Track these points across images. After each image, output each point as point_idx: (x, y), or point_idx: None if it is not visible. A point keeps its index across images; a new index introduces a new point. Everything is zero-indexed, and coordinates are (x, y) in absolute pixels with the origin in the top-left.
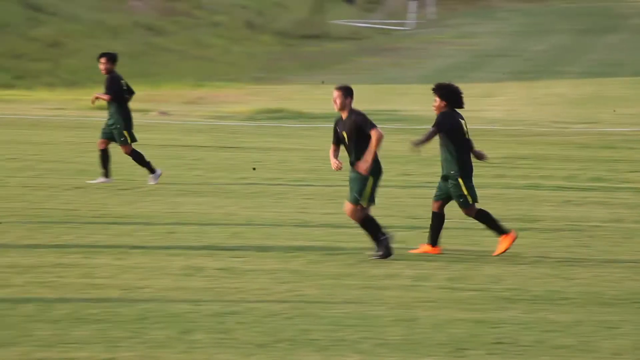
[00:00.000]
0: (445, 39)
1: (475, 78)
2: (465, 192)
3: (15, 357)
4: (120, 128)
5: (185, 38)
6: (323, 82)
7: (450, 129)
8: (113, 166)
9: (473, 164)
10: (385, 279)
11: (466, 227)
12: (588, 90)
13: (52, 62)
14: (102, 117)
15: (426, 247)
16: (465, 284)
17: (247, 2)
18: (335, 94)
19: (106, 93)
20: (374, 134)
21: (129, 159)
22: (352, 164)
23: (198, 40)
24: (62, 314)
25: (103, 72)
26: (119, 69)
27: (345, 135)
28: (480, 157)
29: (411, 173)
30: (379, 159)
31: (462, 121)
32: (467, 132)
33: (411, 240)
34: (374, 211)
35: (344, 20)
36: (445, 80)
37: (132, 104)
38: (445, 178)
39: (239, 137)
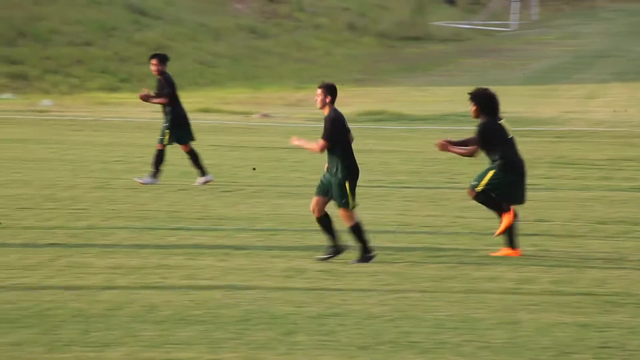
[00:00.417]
0: (549, 39)
1: (579, 79)
2: (485, 180)
3: (121, 357)
4: (165, 126)
5: (287, 40)
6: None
7: (490, 138)
8: (214, 169)
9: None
10: (487, 282)
11: (569, 231)
12: None
13: None
14: (203, 120)
15: (506, 250)
16: (569, 287)
17: (348, 4)
18: (317, 91)
19: (160, 95)
20: (318, 142)
21: (229, 161)
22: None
23: (300, 42)
24: (166, 314)
25: (155, 73)
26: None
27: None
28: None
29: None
30: (355, 162)
31: (502, 123)
32: (510, 131)
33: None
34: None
35: (446, 22)
36: (548, 80)
37: (235, 107)
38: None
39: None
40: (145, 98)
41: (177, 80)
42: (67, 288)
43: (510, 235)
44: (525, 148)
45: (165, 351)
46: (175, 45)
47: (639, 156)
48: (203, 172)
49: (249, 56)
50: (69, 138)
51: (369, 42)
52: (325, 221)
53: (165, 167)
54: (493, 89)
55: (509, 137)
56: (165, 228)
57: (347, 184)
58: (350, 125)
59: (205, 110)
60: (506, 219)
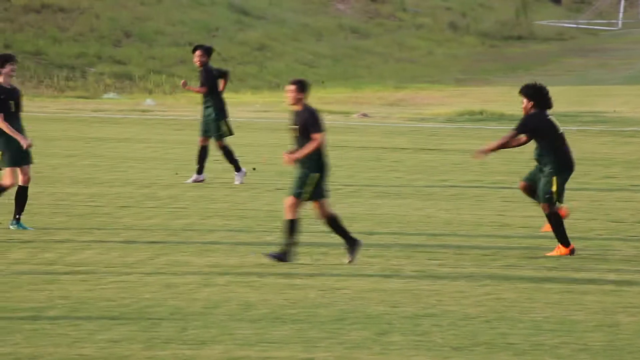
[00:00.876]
0: None
1: None
2: (554, 190)
3: (217, 356)
4: (217, 120)
5: (389, 40)
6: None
7: (535, 130)
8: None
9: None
10: (586, 284)
11: None
12: None
13: (258, 65)
14: None
15: (560, 249)
16: None
17: (451, 4)
18: (289, 88)
19: (202, 86)
20: (315, 138)
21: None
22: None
23: (401, 42)
24: (262, 313)
25: (198, 64)
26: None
27: (295, 129)
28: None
29: (616, 176)
30: (325, 156)
31: (552, 118)
32: (559, 128)
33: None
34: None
35: (550, 21)
36: None
37: (334, 106)
38: (540, 170)
39: (439, 139)
40: (185, 85)
41: (276, 80)
42: (165, 286)
43: (559, 234)
44: (629, 149)
45: (261, 349)
46: (277, 45)
47: None
48: (199, 171)
49: (350, 56)
50: (171, 137)
51: (470, 42)
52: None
53: (263, 167)
54: (594, 88)
55: (560, 132)
56: (263, 227)
57: (314, 177)
58: (452, 125)
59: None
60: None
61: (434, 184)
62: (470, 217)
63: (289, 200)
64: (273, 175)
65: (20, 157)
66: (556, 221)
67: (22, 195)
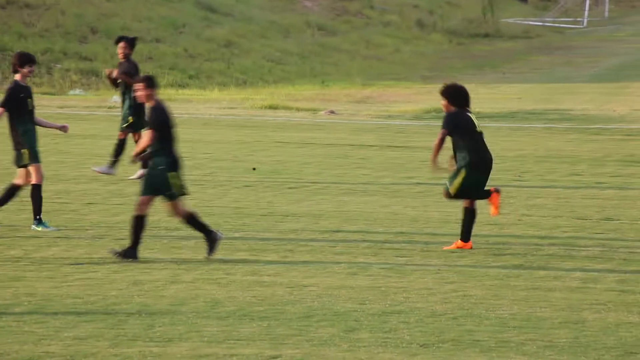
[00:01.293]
0: (621, 37)
1: None
2: (458, 182)
3: (184, 353)
4: (128, 113)
5: (356, 38)
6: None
7: (456, 126)
8: (280, 166)
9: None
10: (552, 281)
11: (637, 230)
12: None
13: (225, 62)
14: (271, 117)
15: (459, 243)
16: (635, 286)
17: (418, 2)
18: (138, 86)
19: (128, 75)
20: (147, 134)
21: (295, 157)
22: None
23: (368, 39)
24: (229, 310)
25: (121, 56)
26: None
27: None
28: None
29: (581, 173)
30: (176, 154)
31: (471, 116)
32: (478, 126)
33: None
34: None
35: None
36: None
37: (302, 103)
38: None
39: (405, 136)
40: (110, 74)
41: (243, 77)
42: (132, 283)
43: (468, 228)
44: (594, 146)
45: (228, 347)
46: (244, 42)
47: None
48: (112, 165)
49: (318, 53)
50: None
51: (437, 40)
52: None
53: (231, 164)
54: (560, 86)
55: (477, 131)
56: (230, 224)
57: (170, 174)
58: (419, 122)
59: (273, 107)
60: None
61: (401, 181)
62: (437, 214)
63: (142, 199)
64: (241, 172)
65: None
66: (469, 216)
67: (37, 194)
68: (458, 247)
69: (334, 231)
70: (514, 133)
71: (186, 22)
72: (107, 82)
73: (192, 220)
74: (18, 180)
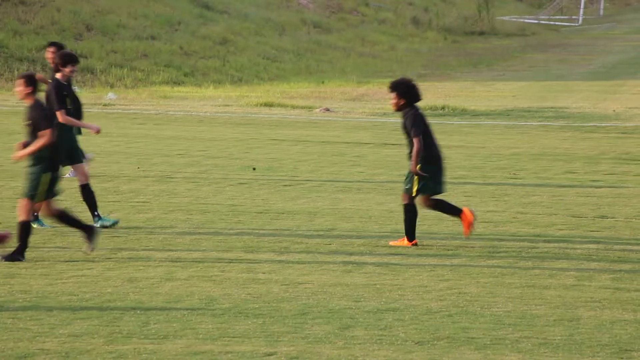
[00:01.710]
0: (616, 34)
1: None
2: (415, 182)
3: (179, 350)
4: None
5: (351, 35)
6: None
7: (422, 125)
8: (275, 163)
9: None
10: (547, 278)
11: (631, 228)
12: None
13: (220, 60)
14: (266, 114)
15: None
16: (629, 284)
17: None
18: (17, 83)
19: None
20: (42, 135)
21: (291, 155)
22: None
23: (364, 37)
24: (224, 307)
25: (50, 61)
26: None
27: (28, 124)
28: None
29: (576, 171)
30: (56, 154)
31: (423, 113)
32: (429, 124)
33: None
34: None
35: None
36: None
37: (297, 101)
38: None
39: (401, 134)
40: (40, 79)
41: (239, 74)
42: (127, 280)
43: (411, 225)
44: (589, 144)
45: (224, 344)
46: (240, 39)
47: None
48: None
49: (313, 50)
50: (133, 131)
51: (433, 37)
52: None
53: (226, 161)
54: (556, 84)
55: (429, 127)
56: (225, 222)
57: (46, 177)
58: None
59: (268, 105)
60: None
61: (396, 179)
62: (432, 212)
63: (23, 202)
64: (235, 170)
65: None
66: (410, 214)
67: (89, 192)
68: (403, 245)
69: (329, 229)
70: (509, 131)
71: (181, 20)
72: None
73: (64, 217)
74: (86, 177)
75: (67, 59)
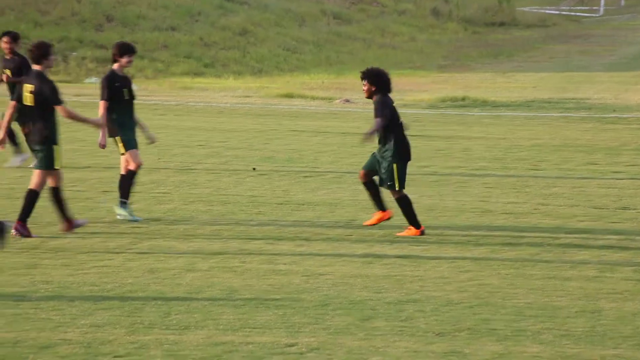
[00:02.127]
0: (637, 25)
1: None
2: (396, 177)
3: (201, 340)
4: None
5: (371, 26)
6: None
7: (390, 115)
8: (295, 154)
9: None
10: (569, 270)
11: None
12: None
13: (240, 51)
14: (286, 105)
15: (378, 215)
16: None
17: None
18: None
19: (16, 74)
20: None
21: (311, 146)
22: None
23: (384, 28)
24: (245, 298)
25: (7, 51)
26: None
27: None
28: None
29: (597, 162)
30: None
31: (394, 105)
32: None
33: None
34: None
35: (532, 8)
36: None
37: (317, 92)
38: (380, 156)
39: (421, 125)
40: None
41: (259, 65)
42: (148, 271)
43: (376, 199)
44: (611, 135)
45: (244, 334)
46: (260, 30)
47: None
48: (16, 153)
49: (333, 42)
50: (153, 122)
51: (453, 28)
52: None
53: (246, 153)
54: (577, 75)
55: (400, 119)
56: (246, 213)
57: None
58: (434, 111)
59: (288, 96)
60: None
61: (417, 170)
62: (452, 203)
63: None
64: (256, 160)
65: (135, 141)
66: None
67: (129, 180)
68: (380, 220)
69: (349, 220)
70: (530, 122)
71: (201, 10)
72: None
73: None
74: (123, 171)
75: (124, 49)
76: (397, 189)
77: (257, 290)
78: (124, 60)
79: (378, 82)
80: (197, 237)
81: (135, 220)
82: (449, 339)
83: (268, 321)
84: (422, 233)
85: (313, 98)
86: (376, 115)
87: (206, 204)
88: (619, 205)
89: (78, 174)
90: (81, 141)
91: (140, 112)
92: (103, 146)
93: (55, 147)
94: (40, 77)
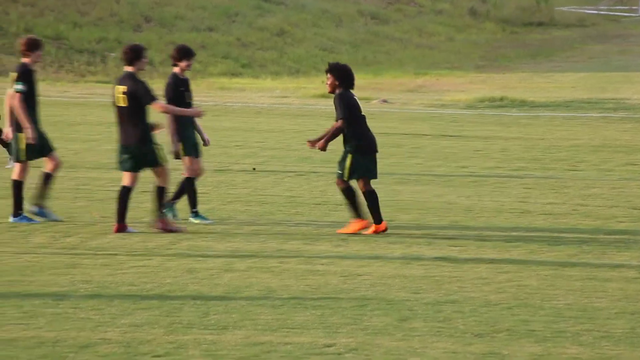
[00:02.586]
0: None
1: None
2: (347, 167)
3: (239, 341)
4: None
5: (408, 26)
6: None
7: (350, 111)
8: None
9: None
10: (608, 271)
11: None
12: None
13: (277, 51)
14: (323, 105)
15: (373, 227)
16: None
17: None
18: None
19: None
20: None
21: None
22: None
23: (421, 28)
24: (283, 298)
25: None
26: None
27: None
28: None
29: (637, 163)
30: None
31: (357, 99)
32: (362, 110)
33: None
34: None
35: (570, 7)
36: None
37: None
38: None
39: (459, 125)
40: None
41: (296, 66)
42: (187, 271)
43: (376, 210)
44: None
45: (282, 335)
46: (297, 31)
47: None
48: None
49: (370, 42)
50: None
51: (490, 28)
52: None
53: (284, 153)
54: (616, 75)
55: (362, 114)
56: (283, 213)
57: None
58: (472, 111)
59: (326, 96)
60: (357, 225)
61: (454, 171)
62: (491, 203)
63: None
64: (294, 161)
65: (197, 149)
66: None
67: (189, 186)
68: (374, 232)
69: (387, 220)
70: (569, 122)
71: (239, 11)
72: None
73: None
74: (196, 170)
75: (184, 53)
76: (344, 178)
77: (295, 290)
78: (183, 64)
79: (342, 77)
80: (234, 237)
81: (206, 221)
82: (487, 340)
83: (306, 321)
84: (366, 228)
85: None
86: (337, 115)
87: (244, 204)
88: None
89: (117, 174)
90: None
91: None
92: (177, 153)
93: (156, 145)
94: (133, 79)
